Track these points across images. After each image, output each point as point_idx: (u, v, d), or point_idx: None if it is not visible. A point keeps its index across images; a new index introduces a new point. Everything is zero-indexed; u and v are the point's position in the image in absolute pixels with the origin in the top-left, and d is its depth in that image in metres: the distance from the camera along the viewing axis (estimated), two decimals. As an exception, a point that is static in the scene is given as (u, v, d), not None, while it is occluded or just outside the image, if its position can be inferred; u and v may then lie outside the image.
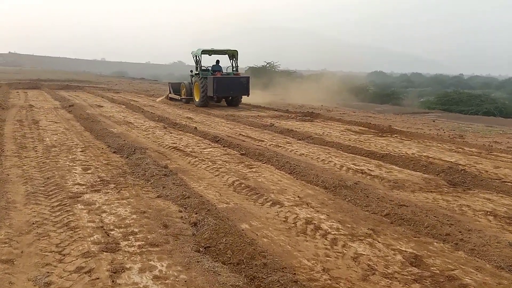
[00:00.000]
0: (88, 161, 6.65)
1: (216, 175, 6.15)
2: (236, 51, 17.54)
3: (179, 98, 18.34)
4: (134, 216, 4.34)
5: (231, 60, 17.66)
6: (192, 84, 17.60)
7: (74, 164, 6.40)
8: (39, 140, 8.20)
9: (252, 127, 11.36)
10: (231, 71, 17.51)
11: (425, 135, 10.38)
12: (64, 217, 4.22)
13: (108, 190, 5.14)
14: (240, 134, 10.07)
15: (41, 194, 4.89)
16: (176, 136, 9.51)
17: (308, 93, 34.98)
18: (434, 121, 14.52)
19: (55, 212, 4.33)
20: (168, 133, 9.92)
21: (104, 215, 4.33)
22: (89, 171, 6.04)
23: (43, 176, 5.65)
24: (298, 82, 44.79)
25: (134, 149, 7.35)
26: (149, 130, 10.20)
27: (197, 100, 16.89)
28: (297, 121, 13.17)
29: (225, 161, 7.12)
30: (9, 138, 8.25)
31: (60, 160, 6.64)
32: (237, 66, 17.65)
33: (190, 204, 4.65)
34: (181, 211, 4.52)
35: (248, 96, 17.17)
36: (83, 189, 5.15)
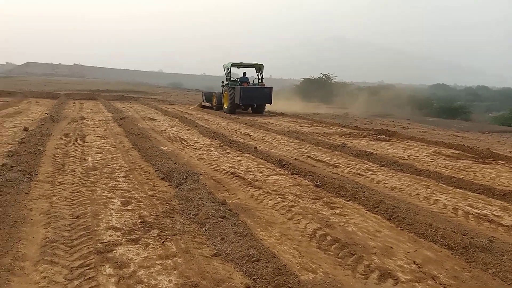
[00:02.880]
0: (130, 191, 5.40)
1: (289, 218, 4.66)
2: (262, 64, 19.54)
3: (211, 106, 20.58)
4: (182, 293, 2.94)
5: (257, 73, 19.71)
6: (222, 93, 19.75)
7: (113, 196, 5.16)
8: (81, 160, 7.13)
9: (320, 147, 9.80)
10: (257, 82, 19.55)
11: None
12: (83, 290, 2.91)
13: (149, 241, 3.80)
14: (308, 157, 8.54)
15: (63, 244, 3.62)
16: (234, 157, 8.15)
17: (368, 106, 32.92)
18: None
19: (72, 281, 3.02)
20: (224, 153, 8.59)
21: (139, 288, 2.97)
22: (129, 207, 4.76)
23: (72, 213, 4.42)
24: (356, 94, 42.74)
25: (186, 176, 6.04)
26: (203, 149, 8.93)
27: (225, 107, 19.00)
28: (371, 140, 11.46)
29: (296, 195, 5.62)
30: (48, 157, 7.25)
31: (97, 189, 5.43)
32: (263, 78, 19.56)
33: (261, 273, 3.18)
34: (249, 287, 3.07)
35: (270, 104, 19.29)
36: (118, 237, 3.84)
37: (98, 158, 7.39)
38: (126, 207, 4.75)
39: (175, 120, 15.13)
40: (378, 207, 5.09)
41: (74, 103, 21.86)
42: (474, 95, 61.34)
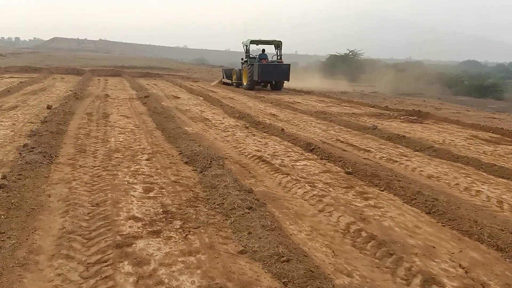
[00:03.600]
0: (152, 176, 5.18)
1: (319, 210, 4.35)
2: (280, 41, 19.69)
3: (231, 82, 20.85)
4: (205, 298, 2.70)
5: (276, 50, 19.80)
6: (241, 70, 20.00)
7: (135, 181, 4.95)
8: (103, 142, 6.95)
9: (349, 129, 9.38)
10: (275, 59, 19.67)
11: None
12: (99, 291, 2.70)
13: (171, 233, 3.56)
14: (338, 140, 8.15)
15: (80, 236, 3.42)
16: (261, 140, 7.84)
17: (396, 84, 31.86)
18: None
19: (88, 280, 2.81)
20: (250, 135, 8.28)
21: (159, 291, 2.74)
22: (151, 194, 4.54)
23: (92, 200, 4.23)
24: (383, 71, 41.45)
25: (211, 160, 5.77)
26: (228, 130, 8.65)
27: (245, 83, 19.38)
28: (402, 121, 10.94)
29: (327, 183, 5.29)
30: (70, 137, 7.10)
31: (119, 173, 5.23)
32: (281, 55, 19.69)
33: (292, 276, 2.90)
34: (279, 291, 2.79)
35: (288, 81, 19.48)
36: (138, 228, 3.62)
37: (120, 139, 7.20)
38: (148, 194, 4.52)
39: (199, 98, 14.87)
40: (415, 198, 4.71)
41: (99, 79, 21.86)
42: (507, 72, 58.52)
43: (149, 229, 3.62)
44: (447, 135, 9.24)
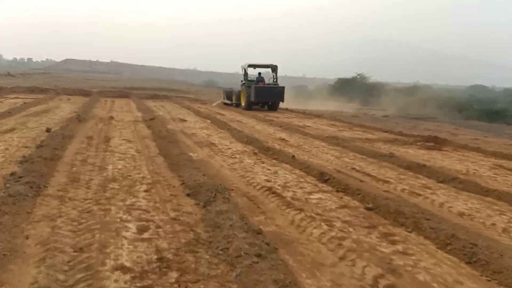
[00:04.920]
0: (149, 212, 4.61)
1: (340, 258, 3.72)
2: (276, 66, 21.05)
3: (230, 103, 22.20)
4: None
5: (272, 73, 21.10)
6: (240, 91, 21.29)
7: (129, 218, 4.38)
8: (100, 169, 6.41)
9: (364, 157, 8.77)
10: (271, 82, 21.03)
11: None
12: None
13: (165, 290, 2.96)
14: (353, 169, 7.55)
15: (54, 293, 2.83)
16: (270, 168, 7.26)
17: (406, 108, 31.37)
18: None
19: None
20: (259, 162, 7.71)
21: None
22: (145, 235, 3.95)
23: (75, 244, 3.65)
24: (392, 95, 40.99)
25: (216, 192, 5.19)
26: (235, 157, 8.08)
27: (243, 104, 20.66)
28: (419, 148, 10.32)
29: (346, 221, 4.68)
30: (65, 164, 6.58)
31: (112, 207, 4.67)
32: (277, 78, 20.98)
33: None
34: None
35: (282, 102, 20.84)
36: (125, 283, 3.02)
37: (119, 167, 6.66)
38: (142, 235, 3.94)
39: (206, 121, 14.38)
40: (450, 243, 4.07)
41: (105, 101, 21.56)
42: (515, 97, 57.74)
43: (139, 284, 3.03)
44: (469, 164, 8.59)
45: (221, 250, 3.66)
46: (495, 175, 7.62)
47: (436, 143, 11.18)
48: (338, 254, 3.79)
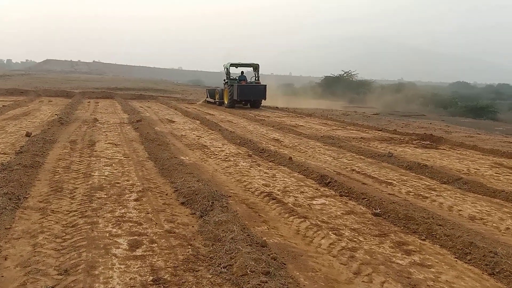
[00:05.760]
0: (142, 224, 4.21)
1: (355, 273, 3.38)
2: (258, 64, 21.37)
3: (213, 101, 22.47)
4: None
5: (254, 72, 21.36)
6: (223, 90, 21.55)
7: (119, 232, 3.97)
8: (85, 176, 5.97)
9: (362, 157, 8.47)
10: (253, 80, 21.26)
11: None
12: None
13: (165, 319, 2.57)
14: (353, 170, 7.24)
15: (36, 327, 2.43)
16: (267, 171, 6.90)
17: (393, 104, 31.45)
18: None
19: None
20: (255, 165, 7.35)
21: None
22: (138, 251, 3.56)
23: (60, 264, 3.24)
24: (379, 92, 41.10)
25: (212, 200, 4.82)
26: (230, 160, 7.70)
27: (226, 102, 20.93)
28: (416, 147, 10.07)
29: (354, 229, 4.35)
30: (46, 172, 6.11)
31: (100, 220, 4.25)
32: (259, 76, 21.32)
33: None
34: None
35: (265, 100, 21.03)
36: (119, 312, 2.63)
37: (106, 173, 6.22)
38: (134, 252, 3.54)
39: (196, 122, 13.95)
40: (470, 252, 3.77)
41: (89, 102, 20.92)
42: (496, 93, 58.62)
43: (134, 313, 2.64)
44: (469, 162, 8.36)
45: (224, 267, 3.29)
46: (497, 174, 7.39)
47: (432, 141, 10.97)
48: (352, 269, 3.46)
